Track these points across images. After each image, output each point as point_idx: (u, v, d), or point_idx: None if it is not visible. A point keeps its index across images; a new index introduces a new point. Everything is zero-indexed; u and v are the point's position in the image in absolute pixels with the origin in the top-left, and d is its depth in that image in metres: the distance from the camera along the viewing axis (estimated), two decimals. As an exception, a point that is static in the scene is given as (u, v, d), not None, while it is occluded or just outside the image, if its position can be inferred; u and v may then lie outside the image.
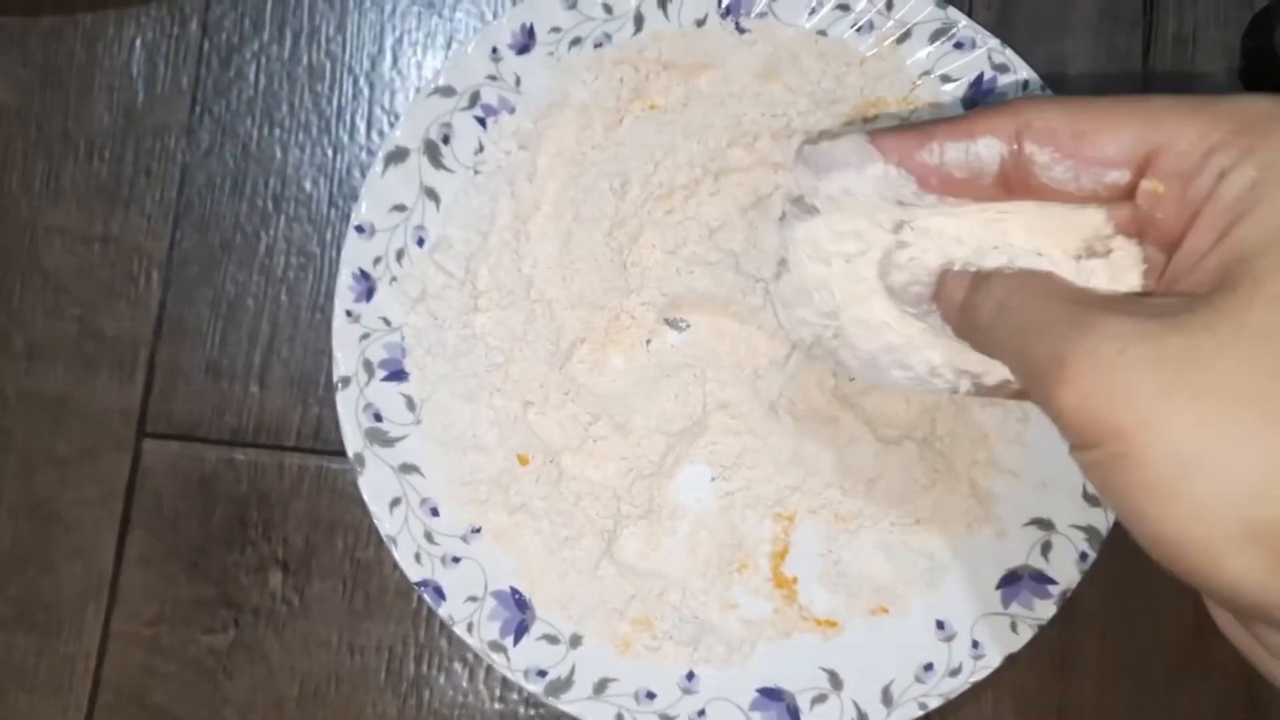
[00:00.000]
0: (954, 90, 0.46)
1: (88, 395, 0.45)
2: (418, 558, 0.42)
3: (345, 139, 0.47)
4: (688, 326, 0.45)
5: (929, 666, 0.42)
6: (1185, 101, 0.26)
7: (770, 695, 0.43)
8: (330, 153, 0.47)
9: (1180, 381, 0.22)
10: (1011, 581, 0.43)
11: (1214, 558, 0.22)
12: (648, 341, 0.45)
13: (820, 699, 0.43)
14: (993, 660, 0.42)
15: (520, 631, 0.43)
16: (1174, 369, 0.22)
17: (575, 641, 0.43)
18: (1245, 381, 0.22)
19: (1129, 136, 0.27)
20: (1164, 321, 0.23)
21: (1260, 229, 0.24)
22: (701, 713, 0.42)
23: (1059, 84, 0.46)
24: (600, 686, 0.42)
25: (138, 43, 0.47)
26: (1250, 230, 0.24)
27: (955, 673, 0.42)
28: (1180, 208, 0.26)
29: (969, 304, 0.29)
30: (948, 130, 0.29)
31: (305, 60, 0.47)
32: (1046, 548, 0.43)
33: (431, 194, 0.45)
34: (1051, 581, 0.43)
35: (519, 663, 0.42)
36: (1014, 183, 0.29)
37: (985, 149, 0.28)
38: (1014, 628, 0.42)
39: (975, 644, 0.43)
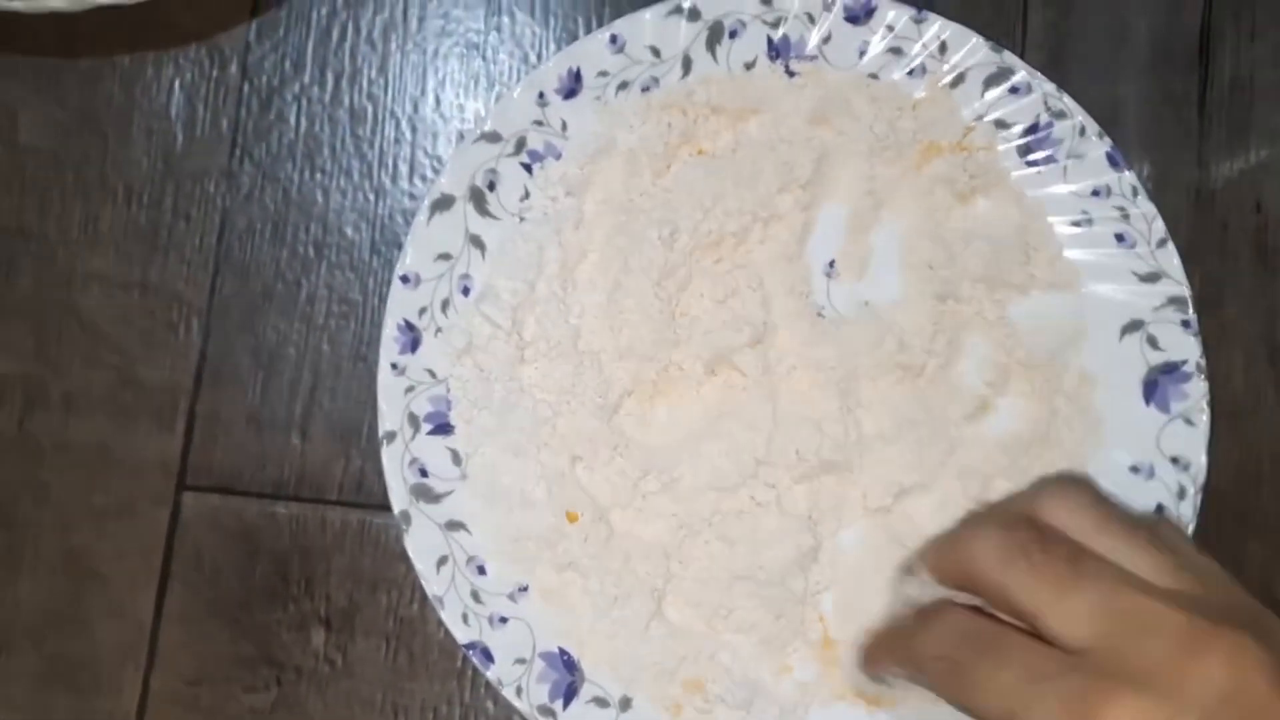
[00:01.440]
0: (1010, 136, 0.45)
1: (126, 446, 0.44)
2: (465, 618, 0.41)
3: (388, 184, 0.46)
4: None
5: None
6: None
7: (824, 759, 0.42)
8: (372, 198, 0.46)
9: None
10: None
11: None
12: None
13: (876, 763, 0.42)
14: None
15: (570, 694, 0.42)
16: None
17: (625, 704, 0.42)
18: None
19: None
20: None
21: None
22: (754, 777, 0.41)
23: (1112, 127, 0.45)
24: (651, 750, 0.42)
25: (176, 85, 0.46)
26: None
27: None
28: None
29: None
30: None
31: (347, 103, 0.46)
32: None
33: (477, 242, 0.44)
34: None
35: (568, 726, 0.41)
36: None
37: None
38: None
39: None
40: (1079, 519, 0.35)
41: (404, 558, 0.43)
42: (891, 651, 0.37)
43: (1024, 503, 0.37)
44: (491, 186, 0.44)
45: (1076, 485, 0.38)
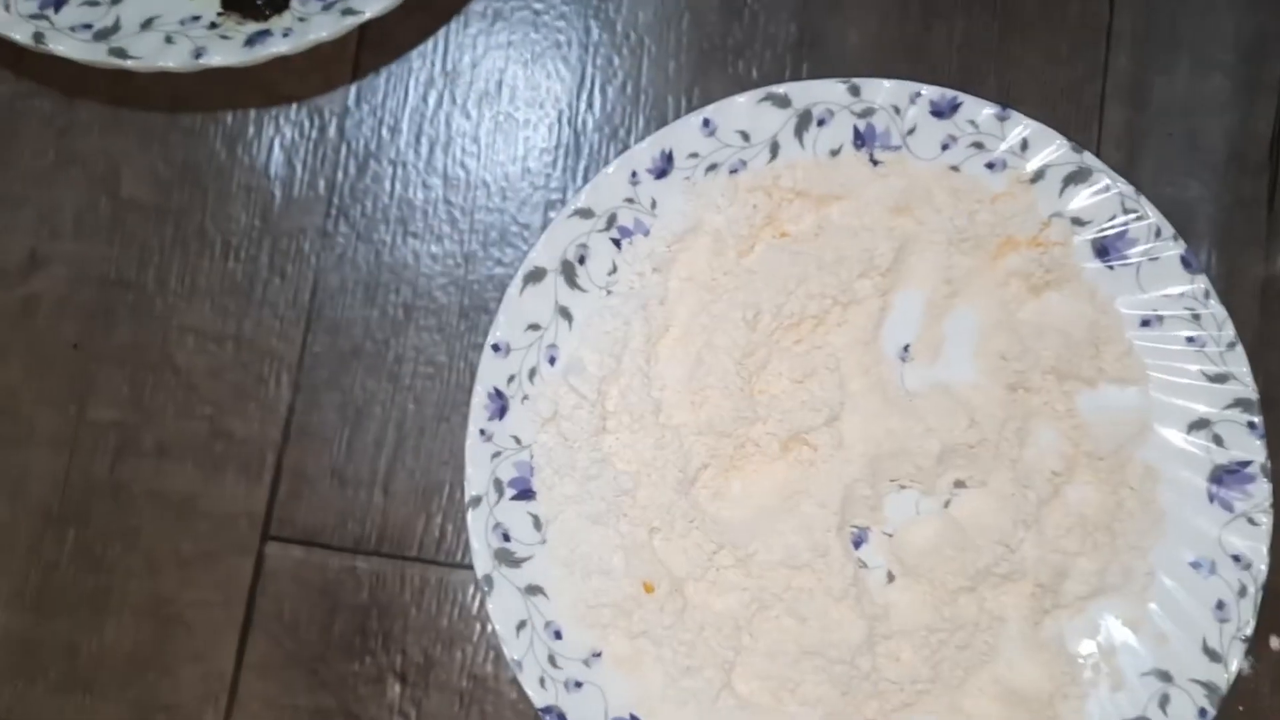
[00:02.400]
0: (1085, 233, 0.46)
1: (214, 496, 0.45)
2: (542, 682, 0.42)
3: (477, 249, 0.47)
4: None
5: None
6: None
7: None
8: (462, 263, 0.47)
9: None
10: (1130, 733, 0.43)
11: None
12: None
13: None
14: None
15: (639, 761, 0.43)
16: None
17: (692, 772, 0.43)
18: None
19: None
20: None
21: None
22: None
23: (1184, 226, 0.46)
24: (716, 819, 0.43)
25: (276, 144, 0.48)
26: None
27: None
28: None
29: None
30: None
31: (440, 169, 0.48)
32: (1165, 700, 0.43)
33: (565, 313, 0.45)
34: (1171, 736, 0.43)
35: (637, 791, 0.42)
36: None
37: None
38: (1133, 781, 0.43)
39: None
40: None
41: (480, 616, 0.44)
42: None
43: None
44: (582, 260, 0.45)
45: None
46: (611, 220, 0.45)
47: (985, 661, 0.44)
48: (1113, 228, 0.46)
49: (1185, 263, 0.45)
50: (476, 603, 0.45)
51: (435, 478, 0.46)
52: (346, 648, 0.45)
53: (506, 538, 0.44)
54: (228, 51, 0.45)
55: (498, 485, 0.44)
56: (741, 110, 0.46)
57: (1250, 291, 0.48)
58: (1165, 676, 0.44)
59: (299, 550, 0.45)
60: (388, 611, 0.45)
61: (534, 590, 0.43)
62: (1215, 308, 0.45)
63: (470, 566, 0.44)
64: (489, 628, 0.45)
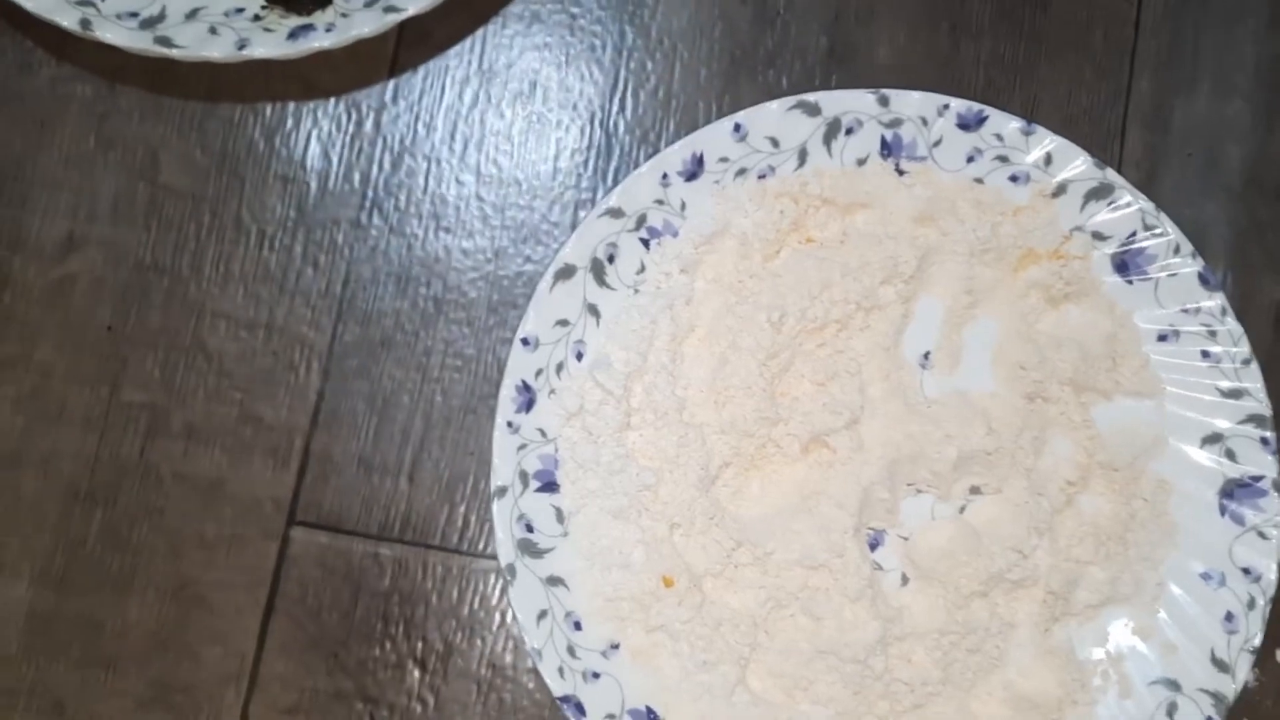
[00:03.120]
0: (1105, 248, 0.47)
1: (241, 480, 0.46)
2: (561, 672, 0.43)
3: (507, 246, 0.48)
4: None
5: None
6: None
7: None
8: (492, 258, 0.48)
9: None
10: (1138, 740, 0.44)
11: None
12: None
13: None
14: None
15: (655, 752, 0.43)
16: None
17: (706, 765, 0.43)
18: None
19: None
20: None
21: None
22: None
23: (1201, 247, 0.47)
24: (728, 812, 0.43)
25: (314, 137, 0.49)
26: None
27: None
28: None
29: None
30: None
31: (474, 165, 0.49)
32: (1172, 709, 0.44)
33: (593, 310, 0.46)
34: (1179, 744, 0.43)
35: (651, 783, 0.43)
36: None
37: None
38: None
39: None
40: None
41: (500, 606, 0.45)
42: None
43: None
44: (611, 259, 0.46)
45: None
46: (641, 221, 0.46)
47: (995, 666, 0.44)
48: (1133, 243, 0.47)
49: (1203, 279, 0.46)
50: (497, 592, 0.46)
51: (460, 468, 0.47)
52: (367, 633, 0.45)
53: (530, 529, 0.44)
54: (270, 44, 0.46)
55: (523, 477, 0.45)
56: (772, 117, 0.47)
57: (1265, 313, 0.49)
58: (1173, 685, 0.44)
59: (324, 535, 0.46)
60: (409, 599, 0.46)
61: (555, 581, 0.44)
62: (1231, 324, 0.46)
63: (492, 556, 0.45)
64: (509, 617, 0.45)
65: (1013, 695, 0.44)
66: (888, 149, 0.47)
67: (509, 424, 0.45)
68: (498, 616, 0.46)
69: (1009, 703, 0.44)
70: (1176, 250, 0.46)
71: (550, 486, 0.45)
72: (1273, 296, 0.49)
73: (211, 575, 0.46)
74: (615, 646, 0.44)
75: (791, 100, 0.47)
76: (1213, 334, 0.46)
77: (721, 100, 0.50)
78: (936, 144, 0.47)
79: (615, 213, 0.46)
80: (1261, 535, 0.45)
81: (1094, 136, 0.49)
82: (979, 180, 0.48)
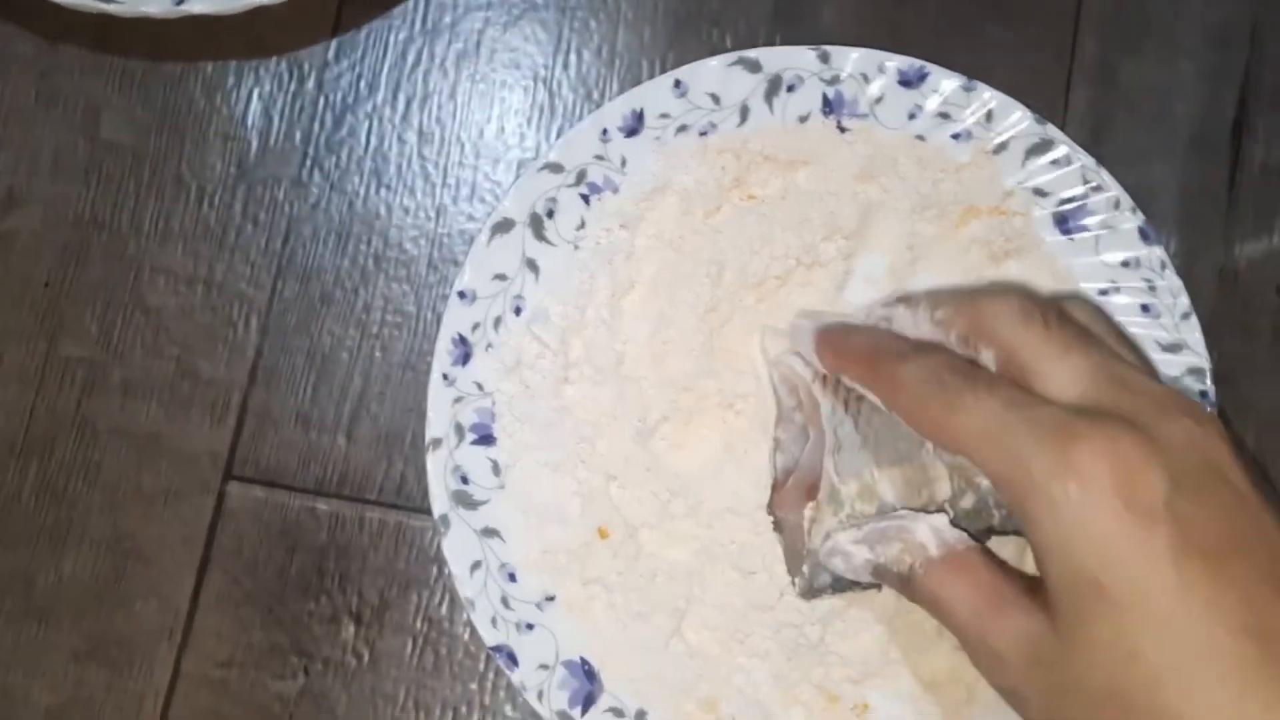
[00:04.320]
0: (1047, 204, 0.47)
1: (178, 435, 0.46)
2: (494, 622, 0.43)
3: (449, 204, 0.48)
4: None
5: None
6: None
7: (830, 788, 0.43)
8: (433, 216, 0.48)
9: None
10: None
11: None
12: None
13: (880, 797, 0.43)
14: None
15: (588, 702, 0.43)
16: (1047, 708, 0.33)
17: (640, 717, 0.43)
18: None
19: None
20: (1036, 651, 0.33)
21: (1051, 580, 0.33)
22: (761, 800, 0.43)
23: (1147, 206, 0.47)
24: (663, 765, 0.43)
25: (255, 95, 0.49)
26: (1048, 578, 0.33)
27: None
28: None
29: (907, 594, 0.38)
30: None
31: (416, 124, 0.49)
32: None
33: (532, 265, 0.46)
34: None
35: (584, 734, 0.43)
36: None
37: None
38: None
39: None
40: (1091, 317, 0.38)
41: (437, 560, 0.45)
42: (858, 351, 0.40)
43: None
44: (550, 214, 0.46)
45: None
46: (581, 176, 0.46)
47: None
48: (1073, 199, 0.47)
49: (1143, 234, 0.46)
50: (434, 547, 0.46)
51: (398, 424, 0.46)
52: (303, 587, 0.45)
53: (465, 480, 0.44)
54: (210, 0, 0.46)
55: (458, 429, 0.44)
56: (713, 73, 0.47)
57: (1210, 272, 0.49)
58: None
59: (260, 490, 0.46)
60: (345, 553, 0.45)
61: (490, 533, 0.44)
62: (1171, 279, 0.46)
63: (428, 512, 0.45)
64: (445, 572, 0.45)
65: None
66: (829, 106, 0.47)
67: (445, 376, 0.44)
68: (434, 571, 0.45)
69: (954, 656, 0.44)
70: (1117, 205, 0.46)
71: (486, 439, 0.45)
72: (1217, 255, 0.49)
73: (148, 529, 0.45)
74: (550, 599, 0.44)
75: (732, 56, 0.47)
76: (1152, 288, 0.46)
77: (665, 59, 0.50)
78: (878, 101, 0.47)
79: (554, 167, 0.46)
80: (1201, 489, 0.44)
81: (1040, 96, 0.49)
82: (921, 138, 0.47)
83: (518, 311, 0.46)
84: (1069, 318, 0.37)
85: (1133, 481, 0.31)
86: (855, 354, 0.40)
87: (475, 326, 0.45)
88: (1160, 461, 0.31)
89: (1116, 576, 0.31)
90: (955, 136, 0.47)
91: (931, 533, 0.37)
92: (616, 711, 0.43)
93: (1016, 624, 0.34)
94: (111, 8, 0.46)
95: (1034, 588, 0.34)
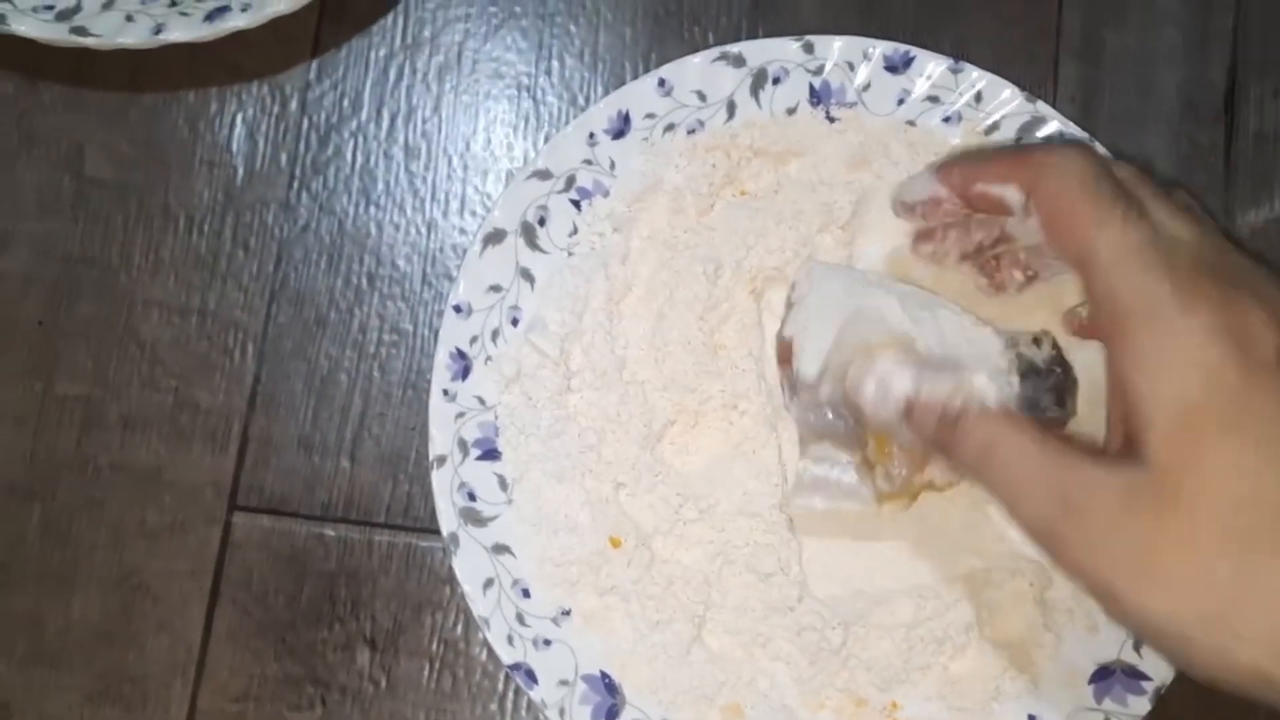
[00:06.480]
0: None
1: (180, 467, 0.45)
2: (510, 640, 0.42)
3: (439, 218, 0.48)
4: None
5: (1022, 761, 0.42)
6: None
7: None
8: (424, 231, 0.48)
9: (1149, 565, 0.31)
10: (1104, 676, 0.43)
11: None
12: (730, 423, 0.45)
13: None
14: (1087, 756, 0.42)
15: (611, 716, 0.42)
16: (1144, 554, 0.31)
17: (665, 727, 0.42)
18: (1191, 568, 0.30)
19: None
20: (1130, 500, 0.31)
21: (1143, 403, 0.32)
22: (791, 803, 0.42)
23: (1143, 176, 0.46)
24: (690, 774, 0.42)
25: (239, 120, 0.48)
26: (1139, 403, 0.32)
27: (1049, 768, 0.42)
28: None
29: (948, 441, 0.35)
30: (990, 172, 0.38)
31: (402, 140, 0.48)
32: (1139, 642, 0.43)
33: (526, 274, 0.45)
34: (1145, 677, 0.42)
35: (608, 748, 0.42)
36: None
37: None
38: (1108, 723, 0.42)
39: (1069, 739, 0.42)
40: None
41: (449, 580, 0.44)
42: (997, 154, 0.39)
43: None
44: (542, 222, 0.45)
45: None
46: (570, 181, 0.46)
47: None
48: (1069, 175, 0.46)
49: (1142, 206, 0.45)
50: (445, 567, 0.45)
51: (401, 444, 0.46)
52: (315, 615, 0.45)
53: (472, 497, 0.43)
54: (187, 28, 0.46)
55: (462, 445, 0.44)
56: (696, 70, 0.46)
57: (1211, 239, 0.48)
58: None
59: (266, 519, 0.45)
60: (356, 578, 0.45)
61: (501, 549, 0.43)
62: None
63: (437, 531, 0.44)
64: (457, 591, 0.45)
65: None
66: (816, 96, 0.47)
67: (445, 392, 0.44)
68: (446, 591, 0.45)
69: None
70: (1114, 179, 0.46)
71: (491, 454, 0.44)
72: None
73: (154, 565, 0.45)
74: (566, 612, 0.43)
75: (715, 52, 0.46)
76: (1155, 260, 0.45)
77: (648, 59, 0.49)
78: (865, 88, 0.47)
79: (543, 174, 0.45)
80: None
81: (1027, 73, 0.49)
82: (911, 123, 0.47)
83: (514, 322, 0.45)
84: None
85: (1251, 335, 0.31)
86: (995, 157, 0.39)
87: (473, 340, 0.45)
88: (1277, 326, 0.32)
89: (1231, 408, 0.30)
90: (946, 119, 0.47)
91: (990, 381, 0.36)
92: (640, 723, 0.43)
93: (1099, 475, 0.32)
94: (89, 41, 0.46)
95: (1100, 450, 0.34)
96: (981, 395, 0.35)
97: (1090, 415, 0.41)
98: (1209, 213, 0.38)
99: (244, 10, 0.46)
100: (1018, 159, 0.37)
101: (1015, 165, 0.37)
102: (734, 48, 0.46)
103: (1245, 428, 0.30)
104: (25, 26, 0.46)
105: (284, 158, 0.48)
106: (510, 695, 0.44)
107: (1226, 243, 0.35)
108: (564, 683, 0.42)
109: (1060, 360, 0.40)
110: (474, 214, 0.48)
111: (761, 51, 0.46)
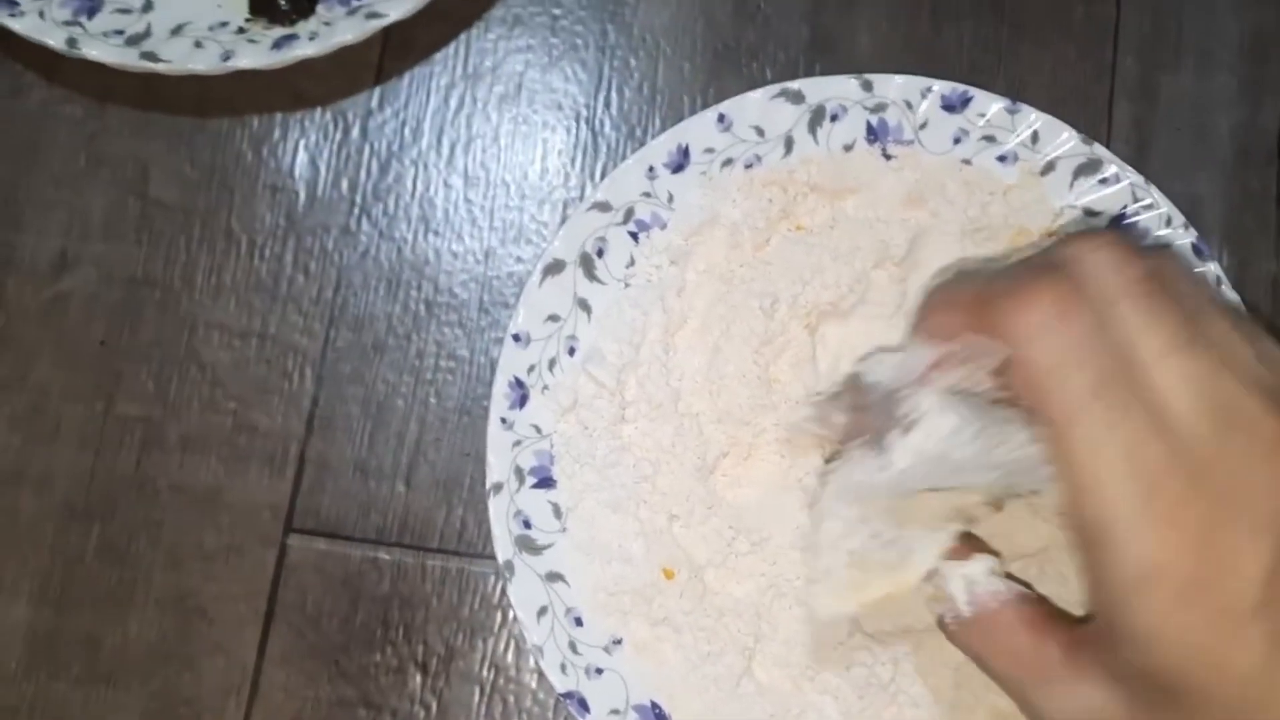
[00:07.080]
0: (1098, 224, 0.46)
1: (238, 489, 0.46)
2: (563, 668, 0.42)
3: (496, 246, 0.48)
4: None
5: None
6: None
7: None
8: (482, 259, 0.48)
9: None
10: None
11: None
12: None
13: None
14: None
15: (661, 747, 0.42)
16: None
17: (714, 759, 0.43)
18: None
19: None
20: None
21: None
22: (840, 838, 0.42)
23: (1194, 220, 0.46)
24: (739, 806, 0.42)
25: (301, 146, 0.49)
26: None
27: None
28: None
29: (954, 638, 0.37)
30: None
31: (461, 168, 0.49)
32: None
33: (584, 305, 0.46)
34: None
35: (659, 779, 0.42)
36: None
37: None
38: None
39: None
40: (1189, 287, 0.31)
41: (501, 607, 0.45)
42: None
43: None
44: (600, 253, 0.46)
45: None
46: (629, 214, 0.46)
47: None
48: (1124, 218, 0.46)
49: (1197, 250, 0.46)
50: (498, 593, 0.45)
51: (456, 470, 0.46)
52: (368, 639, 0.45)
53: (527, 525, 0.44)
54: (255, 55, 0.46)
55: (518, 473, 0.44)
56: (756, 106, 0.47)
57: (1262, 283, 0.49)
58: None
59: (321, 542, 0.46)
60: (409, 602, 0.45)
61: (554, 577, 0.44)
62: (1226, 293, 0.45)
63: (491, 557, 0.45)
64: (510, 617, 0.45)
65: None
66: (874, 134, 0.47)
67: (503, 420, 0.44)
68: (499, 617, 0.45)
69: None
70: (1168, 223, 0.46)
71: (547, 482, 0.45)
72: (1269, 266, 0.49)
73: (210, 586, 0.45)
74: (618, 641, 0.44)
75: (775, 89, 0.47)
76: (1210, 304, 0.45)
77: (706, 93, 0.50)
78: (922, 127, 0.47)
79: (602, 206, 0.46)
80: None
81: (1082, 115, 0.49)
82: (967, 161, 0.47)
83: (571, 352, 0.45)
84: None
85: (1227, 578, 0.28)
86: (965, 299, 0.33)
87: (530, 369, 0.45)
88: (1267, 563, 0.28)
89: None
90: (1001, 159, 0.47)
91: (964, 585, 0.35)
92: (690, 754, 0.43)
93: (1067, 693, 0.32)
94: (159, 66, 0.46)
95: (1079, 640, 0.32)
96: (955, 600, 0.36)
97: None
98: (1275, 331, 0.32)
99: (311, 39, 0.47)
100: (992, 309, 0.31)
101: (987, 316, 0.31)
102: (793, 84, 0.47)
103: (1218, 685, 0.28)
104: (96, 51, 0.46)
105: (345, 184, 0.48)
106: (560, 723, 0.45)
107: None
108: (615, 712, 0.43)
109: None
110: (530, 242, 0.48)
111: (820, 89, 0.47)
